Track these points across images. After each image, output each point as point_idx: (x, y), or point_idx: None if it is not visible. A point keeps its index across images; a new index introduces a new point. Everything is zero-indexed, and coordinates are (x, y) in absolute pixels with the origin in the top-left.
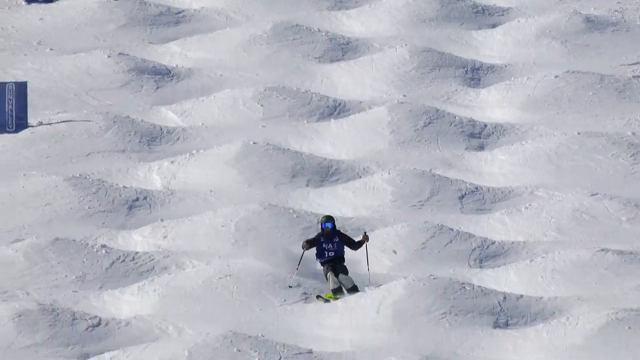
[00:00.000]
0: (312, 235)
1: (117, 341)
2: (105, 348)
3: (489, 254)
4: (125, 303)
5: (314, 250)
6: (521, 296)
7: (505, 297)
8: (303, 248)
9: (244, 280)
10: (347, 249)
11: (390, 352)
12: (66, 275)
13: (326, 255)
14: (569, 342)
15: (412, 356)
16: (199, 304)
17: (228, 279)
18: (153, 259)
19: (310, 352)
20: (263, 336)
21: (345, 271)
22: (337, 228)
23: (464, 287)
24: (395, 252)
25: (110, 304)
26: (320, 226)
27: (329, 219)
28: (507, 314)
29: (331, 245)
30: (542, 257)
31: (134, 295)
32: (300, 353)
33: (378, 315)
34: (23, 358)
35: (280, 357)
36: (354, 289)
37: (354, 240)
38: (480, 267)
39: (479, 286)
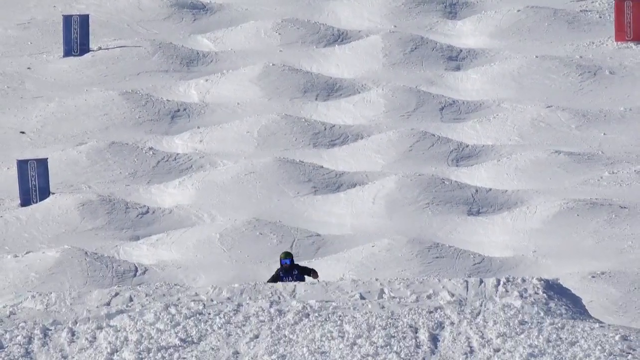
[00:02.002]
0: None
1: (162, 226)
2: (152, 231)
3: (463, 155)
4: (168, 195)
5: None
6: (490, 189)
7: (477, 190)
8: None
9: (265, 176)
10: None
11: (384, 235)
12: (120, 172)
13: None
14: (528, 227)
15: (401, 238)
16: (228, 195)
17: (252, 175)
18: (191, 159)
19: (318, 235)
20: (280, 222)
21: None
22: (294, 262)
23: (444, 182)
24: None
25: (156, 196)
26: (280, 262)
27: (287, 255)
28: (478, 204)
29: (291, 277)
30: (507, 158)
31: (175, 189)
32: (310, 236)
33: (374, 205)
34: (86, 239)
35: (294, 239)
36: None
37: (311, 269)
38: (457, 165)
39: (456, 181)
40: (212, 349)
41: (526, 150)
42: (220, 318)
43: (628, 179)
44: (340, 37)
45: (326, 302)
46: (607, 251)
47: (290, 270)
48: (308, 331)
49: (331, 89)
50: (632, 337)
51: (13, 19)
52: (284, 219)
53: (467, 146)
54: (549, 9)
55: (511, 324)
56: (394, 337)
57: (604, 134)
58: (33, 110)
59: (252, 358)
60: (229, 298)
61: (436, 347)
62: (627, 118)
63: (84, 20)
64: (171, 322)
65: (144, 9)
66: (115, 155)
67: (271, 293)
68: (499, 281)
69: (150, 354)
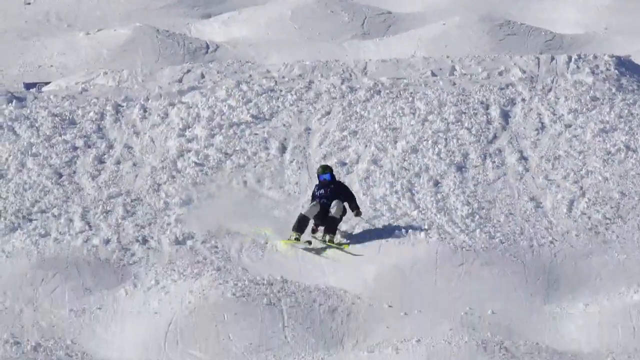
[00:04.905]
0: None
1: (234, 4)
2: (224, 9)
3: None
4: None
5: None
6: None
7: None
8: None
9: None
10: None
11: (455, 12)
12: None
13: (319, 198)
14: (599, 3)
15: (473, 15)
16: None
17: None
18: None
19: (389, 12)
20: None
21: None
22: (335, 179)
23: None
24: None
25: None
26: (317, 178)
27: (326, 169)
28: None
29: (324, 191)
30: None
31: None
32: (381, 13)
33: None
34: (157, 16)
35: (365, 17)
36: (331, 229)
37: (353, 198)
38: None
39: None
40: (284, 125)
41: None
42: (291, 95)
43: None
44: None
45: (397, 79)
46: None
47: (328, 185)
48: (379, 108)
49: None
50: None
51: None
52: None
53: None
54: None
55: (582, 100)
56: (465, 113)
57: None
58: None
59: (323, 134)
60: (300, 75)
61: (507, 124)
62: None
63: None
64: (243, 98)
65: None
66: None
67: (342, 70)
68: (570, 58)
69: (222, 130)
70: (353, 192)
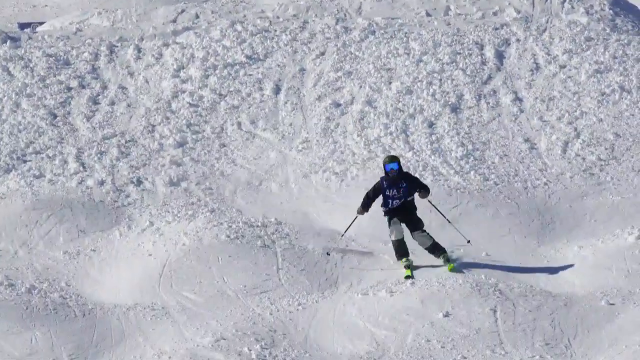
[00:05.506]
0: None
1: None
2: None
3: None
4: None
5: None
6: None
7: None
8: (357, 213)
9: None
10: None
11: None
12: None
13: (390, 204)
14: None
15: None
16: None
17: None
18: None
19: None
20: None
21: (418, 225)
22: (403, 170)
23: None
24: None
25: None
26: (383, 168)
27: (393, 159)
28: None
29: (396, 191)
30: None
31: None
32: None
33: None
34: None
35: None
36: (435, 249)
37: (423, 185)
38: None
39: None
40: (278, 65)
41: None
42: (286, 35)
43: None
44: None
45: (392, 19)
46: None
47: (398, 181)
48: (374, 48)
49: None
50: None
51: None
52: None
53: None
54: None
55: (577, 41)
56: (459, 54)
57: None
58: None
59: (318, 75)
60: (294, 15)
61: (502, 64)
62: None
63: None
64: (237, 39)
65: None
66: None
67: (337, 10)
68: None
69: (217, 71)
70: (420, 179)
